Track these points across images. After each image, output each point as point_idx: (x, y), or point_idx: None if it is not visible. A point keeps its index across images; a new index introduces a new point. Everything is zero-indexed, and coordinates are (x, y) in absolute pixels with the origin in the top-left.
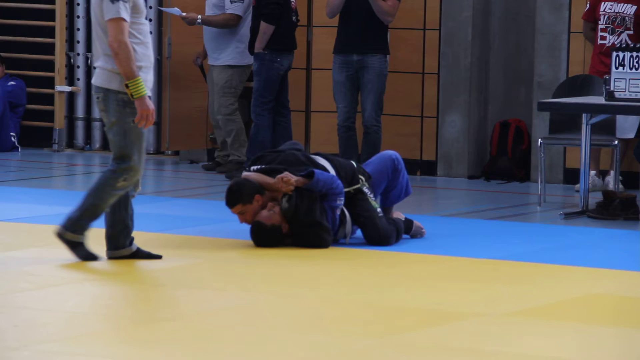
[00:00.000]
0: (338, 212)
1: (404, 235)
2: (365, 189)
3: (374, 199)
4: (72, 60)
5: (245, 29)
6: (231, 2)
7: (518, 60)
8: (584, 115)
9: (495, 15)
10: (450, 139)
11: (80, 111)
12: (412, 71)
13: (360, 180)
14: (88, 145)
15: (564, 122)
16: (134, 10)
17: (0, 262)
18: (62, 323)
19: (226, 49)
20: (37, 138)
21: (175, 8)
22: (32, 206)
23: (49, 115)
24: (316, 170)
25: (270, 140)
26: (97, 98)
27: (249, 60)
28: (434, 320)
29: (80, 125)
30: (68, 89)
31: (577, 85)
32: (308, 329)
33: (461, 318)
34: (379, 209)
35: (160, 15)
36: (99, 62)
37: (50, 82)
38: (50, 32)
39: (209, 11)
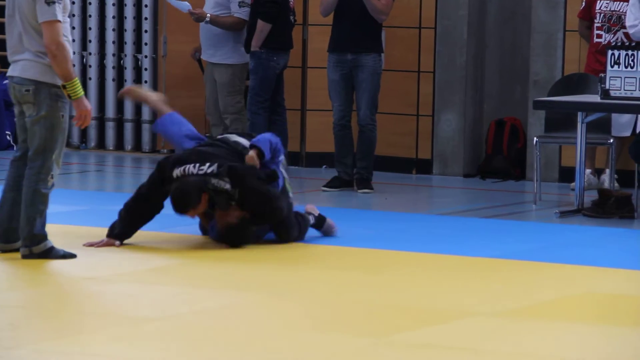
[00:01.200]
0: (282, 167)
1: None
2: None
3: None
4: None
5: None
6: (239, 7)
7: (513, 58)
8: (579, 113)
9: (490, 13)
10: (445, 137)
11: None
12: (407, 70)
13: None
14: (83, 144)
15: (560, 120)
16: (65, 10)
17: None
18: (57, 322)
19: (225, 47)
20: None
21: (185, 2)
22: None
23: None
24: (256, 142)
25: None
26: (27, 91)
27: (247, 58)
28: (429, 319)
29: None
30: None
31: (572, 83)
32: (302, 329)
33: (457, 317)
34: None
35: (155, 13)
36: (27, 55)
37: None
38: None
39: (211, 8)
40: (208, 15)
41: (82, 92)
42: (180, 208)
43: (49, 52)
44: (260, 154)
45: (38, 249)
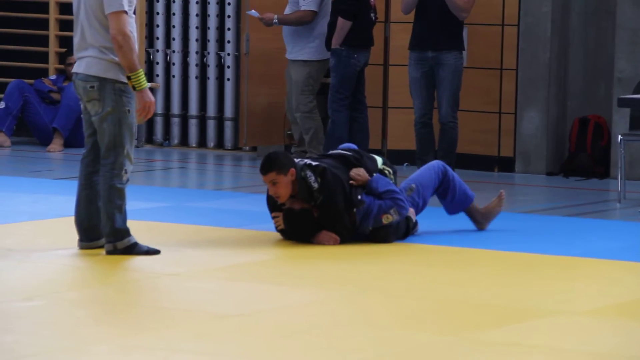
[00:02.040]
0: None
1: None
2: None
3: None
4: (151, 57)
5: (323, 24)
6: None
7: (598, 55)
8: None
9: (574, 10)
10: (528, 135)
11: (159, 107)
12: (490, 67)
13: (387, 172)
14: (167, 141)
15: None
16: (130, 4)
17: (76, 255)
18: (140, 317)
19: (303, 43)
20: None
21: (253, 10)
22: None
23: None
24: (376, 175)
25: (347, 136)
26: (92, 87)
27: (326, 55)
28: (511, 318)
29: (159, 121)
30: (148, 85)
31: None
32: (382, 325)
33: (539, 315)
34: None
35: (238, 11)
36: (91, 52)
37: None
38: None
39: (288, 9)
40: (275, 16)
41: (147, 84)
42: (266, 166)
43: (115, 43)
44: (367, 180)
45: (122, 244)
